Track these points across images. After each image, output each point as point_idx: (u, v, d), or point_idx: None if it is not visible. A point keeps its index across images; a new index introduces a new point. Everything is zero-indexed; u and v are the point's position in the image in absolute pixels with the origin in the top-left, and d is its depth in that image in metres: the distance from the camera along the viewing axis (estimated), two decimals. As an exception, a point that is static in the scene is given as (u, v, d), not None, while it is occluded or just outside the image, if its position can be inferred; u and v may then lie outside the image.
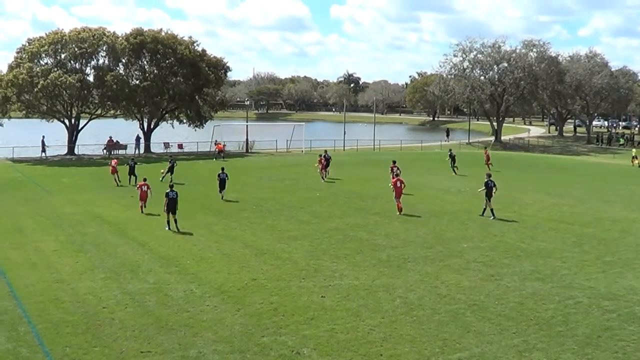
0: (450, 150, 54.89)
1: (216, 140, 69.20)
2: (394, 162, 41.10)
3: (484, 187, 30.16)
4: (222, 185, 35.75)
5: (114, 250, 24.79)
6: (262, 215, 31.16)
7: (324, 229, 27.90)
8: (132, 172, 42.97)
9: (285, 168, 52.76)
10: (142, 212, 31.15)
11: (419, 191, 38.77)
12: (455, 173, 49.32)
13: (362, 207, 33.89)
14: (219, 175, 36.13)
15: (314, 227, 28.49)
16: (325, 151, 48.62)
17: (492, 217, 29.56)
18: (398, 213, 30.57)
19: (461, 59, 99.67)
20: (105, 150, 70.28)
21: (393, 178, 33.51)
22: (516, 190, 40.16)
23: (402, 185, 31.73)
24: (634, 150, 73.24)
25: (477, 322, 17.30)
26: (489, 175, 30.74)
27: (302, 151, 68.74)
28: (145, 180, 32.13)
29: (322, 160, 45.06)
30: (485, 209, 30.60)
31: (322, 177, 43.86)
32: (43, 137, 66.00)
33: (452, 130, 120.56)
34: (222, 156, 62.63)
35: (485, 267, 22.43)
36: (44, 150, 65.47)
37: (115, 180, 42.83)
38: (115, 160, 45.16)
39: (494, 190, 29.86)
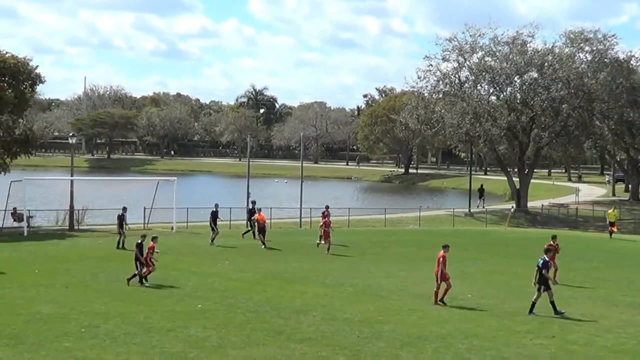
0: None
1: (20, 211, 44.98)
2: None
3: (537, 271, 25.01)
4: None
5: None
6: (97, 345, 22.17)
7: (210, 371, 20.47)
8: None
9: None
10: None
11: (382, 300, 28.96)
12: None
13: (279, 328, 24.96)
14: None
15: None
16: None
17: (557, 312, 24.40)
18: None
19: (456, 64, 67.67)
20: None
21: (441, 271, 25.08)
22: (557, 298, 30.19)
23: None
24: None
25: None
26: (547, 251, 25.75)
27: (173, 228, 49.31)
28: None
29: None
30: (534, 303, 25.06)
31: None
32: None
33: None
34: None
35: None
36: None
37: None
38: None
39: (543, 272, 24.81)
